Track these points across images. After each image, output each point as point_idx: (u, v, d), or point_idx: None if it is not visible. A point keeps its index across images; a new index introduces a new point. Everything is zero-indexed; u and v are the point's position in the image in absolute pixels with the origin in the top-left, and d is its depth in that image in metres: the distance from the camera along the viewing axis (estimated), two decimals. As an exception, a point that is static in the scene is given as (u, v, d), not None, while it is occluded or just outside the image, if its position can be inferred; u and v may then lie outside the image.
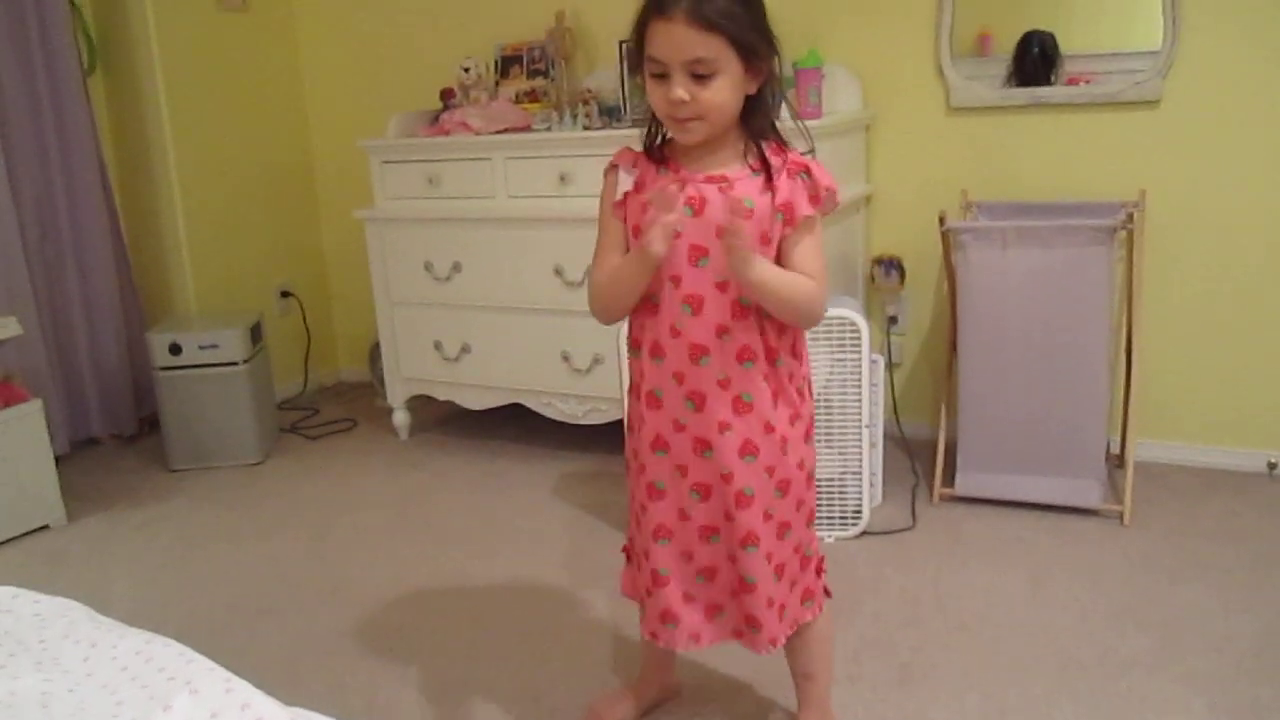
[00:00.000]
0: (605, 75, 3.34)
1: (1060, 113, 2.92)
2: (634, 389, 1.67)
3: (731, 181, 1.52)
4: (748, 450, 1.58)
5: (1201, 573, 2.35)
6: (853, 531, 2.62)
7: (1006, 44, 2.98)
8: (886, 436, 2.90)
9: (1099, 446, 2.67)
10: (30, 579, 2.58)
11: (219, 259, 3.85)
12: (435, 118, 3.40)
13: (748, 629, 1.65)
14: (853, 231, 3.12)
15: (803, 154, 1.57)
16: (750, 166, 1.53)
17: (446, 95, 3.45)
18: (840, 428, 2.57)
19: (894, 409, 3.20)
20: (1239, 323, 2.85)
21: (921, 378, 3.27)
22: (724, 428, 1.57)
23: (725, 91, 1.45)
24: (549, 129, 3.17)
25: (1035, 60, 2.92)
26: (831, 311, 2.51)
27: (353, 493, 3.16)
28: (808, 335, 2.52)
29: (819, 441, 2.59)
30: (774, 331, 1.58)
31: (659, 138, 1.60)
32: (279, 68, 4.03)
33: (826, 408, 2.57)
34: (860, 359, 2.52)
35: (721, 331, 1.55)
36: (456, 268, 3.22)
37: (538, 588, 2.47)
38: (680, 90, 1.44)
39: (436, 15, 3.78)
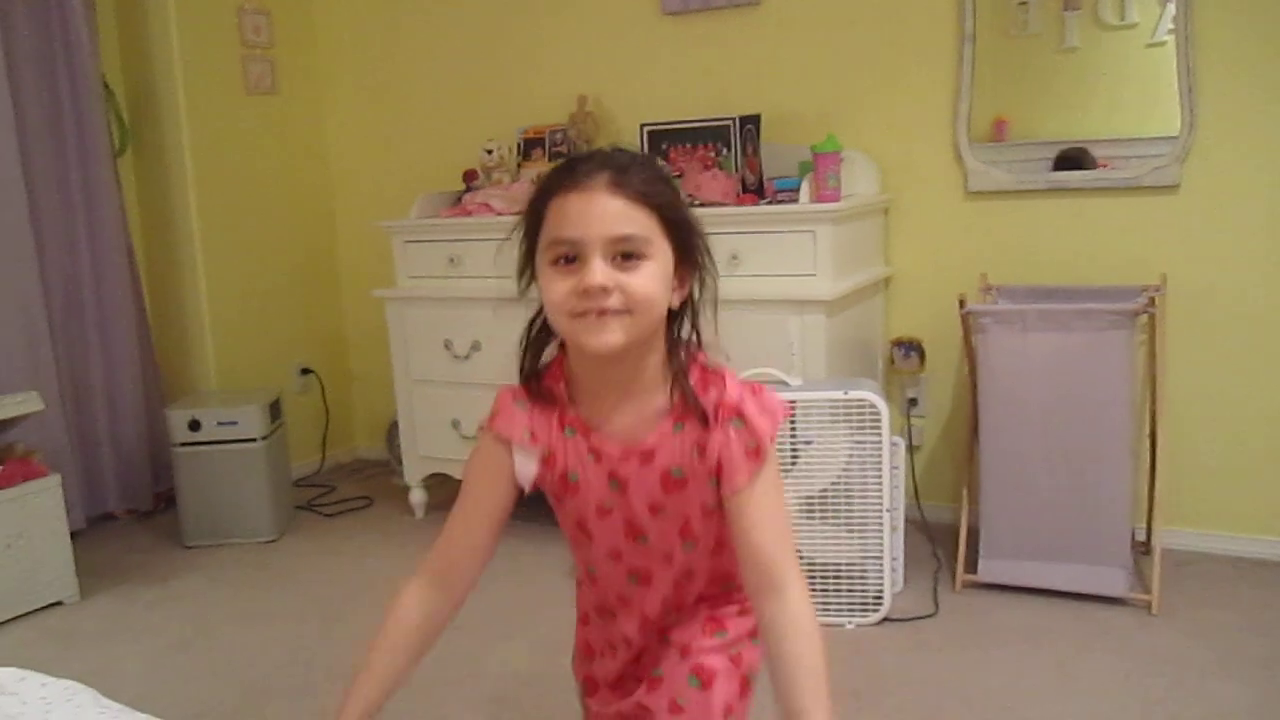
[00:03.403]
0: (626, 158, 3.38)
1: (1079, 197, 2.93)
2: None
3: (653, 452, 1.22)
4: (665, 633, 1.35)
5: (1234, 666, 2.28)
6: (874, 618, 2.57)
7: (1024, 130, 3.01)
8: (907, 520, 2.86)
9: (1124, 533, 2.63)
10: (41, 657, 2.56)
11: (241, 336, 3.88)
12: (458, 199, 3.45)
13: None
14: (872, 314, 3.12)
15: (726, 368, 1.24)
16: (673, 414, 1.21)
17: (469, 177, 3.50)
18: (860, 511, 2.54)
19: (915, 492, 3.16)
20: (1265, 408, 2.81)
21: (942, 461, 3.23)
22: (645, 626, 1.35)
23: (656, 281, 1.15)
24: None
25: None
26: (851, 393, 2.50)
27: (367, 572, 3.13)
28: (829, 417, 2.52)
29: (839, 524, 2.56)
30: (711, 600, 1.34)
31: (541, 373, 1.29)
32: (305, 150, 4.11)
33: (846, 491, 2.54)
34: (880, 441, 2.50)
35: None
36: (476, 347, 3.23)
37: (553, 674, 2.43)
38: (601, 274, 1.12)
39: (460, 99, 3.85)
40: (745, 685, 1.33)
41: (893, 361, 3.18)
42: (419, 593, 1.32)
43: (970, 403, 2.87)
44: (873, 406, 2.49)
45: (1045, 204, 2.98)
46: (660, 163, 1.26)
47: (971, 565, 2.75)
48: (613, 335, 1.14)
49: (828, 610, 2.59)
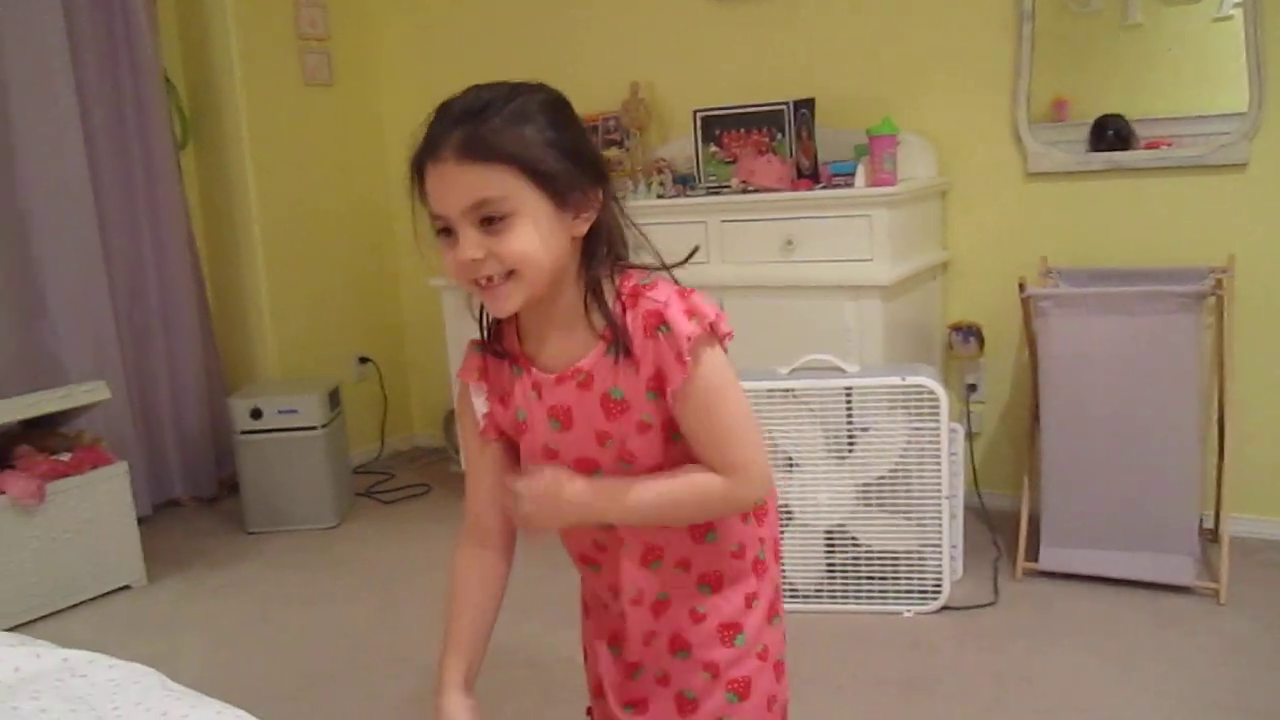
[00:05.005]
0: (679, 145, 3.37)
1: (1142, 177, 2.86)
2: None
3: (590, 374, 1.17)
4: (678, 647, 1.28)
5: (1305, 657, 2.23)
6: (932, 606, 2.55)
7: (1084, 110, 2.95)
8: (966, 508, 2.82)
9: (1191, 521, 2.57)
10: (109, 640, 2.62)
11: (300, 326, 3.94)
12: (512, 187, 3.45)
13: None
14: (930, 298, 3.08)
15: (661, 278, 1.20)
16: (602, 337, 1.17)
17: (523, 165, 3.51)
18: (919, 499, 2.51)
19: (974, 479, 3.12)
20: (1338, 393, 2.74)
21: (1002, 447, 3.19)
22: (649, 638, 1.29)
23: (530, 236, 1.10)
24: (623, 197, 3.18)
25: (1110, 140, 2.89)
26: (909, 380, 2.47)
27: (426, 558, 3.16)
28: (886, 404, 2.49)
29: (897, 512, 2.54)
30: None
31: (492, 325, 1.27)
32: (362, 140, 4.14)
33: (905, 478, 2.52)
34: (939, 428, 2.47)
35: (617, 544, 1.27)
36: (530, 334, 3.24)
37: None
38: (471, 247, 1.11)
39: (514, 88, 3.85)
40: (779, 668, 1.31)
41: (951, 347, 3.14)
42: (467, 554, 1.33)
43: (1031, 388, 2.82)
44: (931, 393, 2.46)
45: (1107, 184, 2.91)
46: (532, 93, 1.18)
47: (1032, 553, 2.71)
48: (506, 302, 1.13)
49: (885, 598, 2.57)
